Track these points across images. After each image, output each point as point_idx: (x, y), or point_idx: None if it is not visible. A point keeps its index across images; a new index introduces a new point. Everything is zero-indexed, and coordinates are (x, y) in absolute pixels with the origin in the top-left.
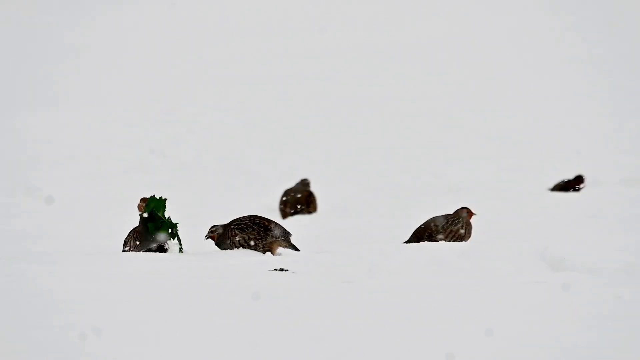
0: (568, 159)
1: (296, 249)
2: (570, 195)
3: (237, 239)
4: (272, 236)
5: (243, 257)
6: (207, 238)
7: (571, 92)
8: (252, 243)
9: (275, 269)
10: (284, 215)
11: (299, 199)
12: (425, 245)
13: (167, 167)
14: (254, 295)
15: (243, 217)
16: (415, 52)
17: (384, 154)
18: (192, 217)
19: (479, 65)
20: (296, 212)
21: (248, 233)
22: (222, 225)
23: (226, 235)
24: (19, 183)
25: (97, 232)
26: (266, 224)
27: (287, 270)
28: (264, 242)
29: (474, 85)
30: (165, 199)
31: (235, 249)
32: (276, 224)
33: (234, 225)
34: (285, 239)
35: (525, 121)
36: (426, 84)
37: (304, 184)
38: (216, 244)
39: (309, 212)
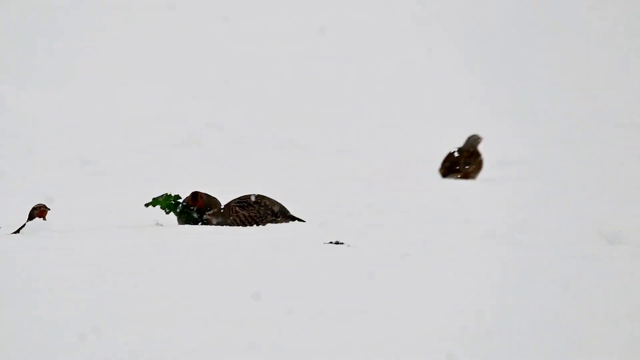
0: None
1: (302, 220)
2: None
3: (240, 216)
4: (273, 214)
5: (294, 231)
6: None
7: None
8: (251, 221)
9: (331, 242)
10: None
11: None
12: (479, 218)
13: (222, 141)
14: (309, 269)
15: (244, 195)
16: None
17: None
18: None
19: None
20: (452, 173)
21: (249, 211)
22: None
23: (227, 213)
24: (74, 156)
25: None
26: (267, 203)
27: (342, 243)
28: (265, 221)
29: None
30: (177, 197)
31: (237, 226)
32: (275, 201)
33: (235, 203)
34: (285, 214)
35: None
36: None
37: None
38: (206, 218)
39: (467, 176)
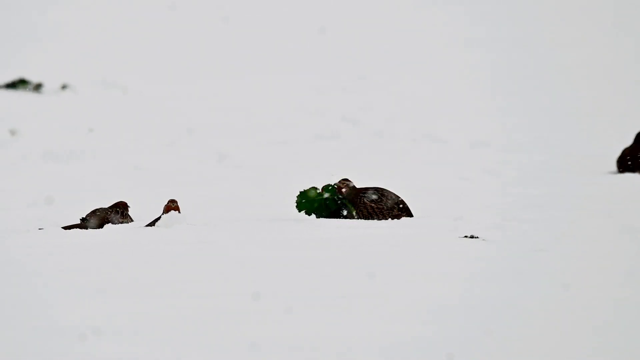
0: None
1: (411, 215)
2: None
3: (370, 207)
4: (399, 208)
5: (429, 226)
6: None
7: None
8: (379, 213)
9: (466, 236)
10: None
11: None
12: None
13: (357, 135)
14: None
15: (371, 187)
16: None
17: (569, 120)
18: (381, 185)
19: None
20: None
21: (377, 203)
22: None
23: (357, 202)
24: (210, 150)
25: (288, 199)
26: (394, 196)
27: (477, 237)
28: (392, 214)
29: None
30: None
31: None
32: (397, 195)
33: (364, 192)
34: (401, 207)
35: None
36: None
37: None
38: (338, 204)
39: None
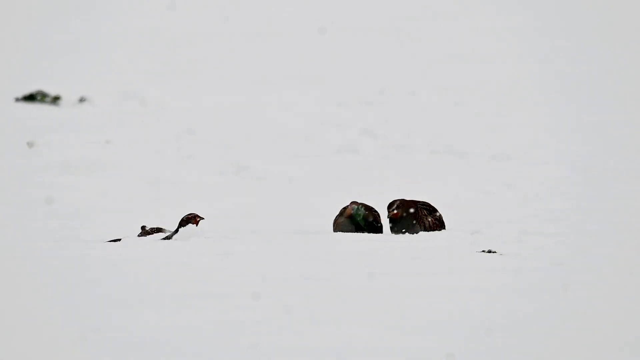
0: None
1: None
2: None
3: (429, 220)
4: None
5: (446, 240)
6: (389, 216)
7: None
8: (432, 226)
9: (483, 251)
10: None
11: None
12: (639, 227)
13: (377, 148)
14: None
15: (419, 200)
16: None
17: (591, 134)
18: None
19: None
20: None
21: (432, 216)
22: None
23: (415, 216)
24: (229, 162)
25: (306, 211)
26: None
27: (495, 252)
28: (441, 228)
29: None
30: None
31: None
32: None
33: (421, 205)
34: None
35: None
36: None
37: None
38: (394, 224)
39: None
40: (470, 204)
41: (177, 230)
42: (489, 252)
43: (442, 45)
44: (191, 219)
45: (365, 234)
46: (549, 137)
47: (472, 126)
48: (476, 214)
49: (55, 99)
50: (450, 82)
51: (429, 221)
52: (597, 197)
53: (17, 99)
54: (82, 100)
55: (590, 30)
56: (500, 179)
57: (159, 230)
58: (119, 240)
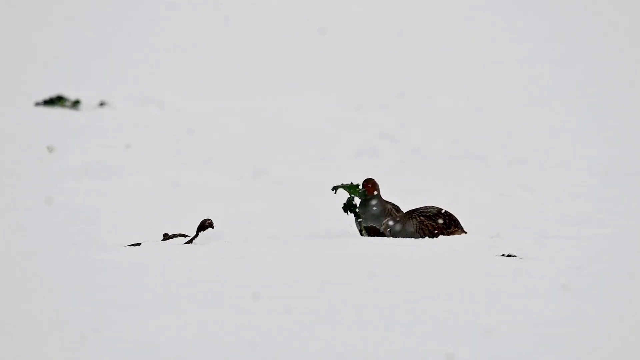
0: None
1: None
2: None
3: (423, 225)
4: (456, 225)
5: (467, 243)
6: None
7: None
8: (436, 231)
9: (503, 255)
10: None
11: None
12: None
13: (396, 152)
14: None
15: (425, 207)
16: None
17: (616, 138)
18: (420, 203)
19: None
20: None
21: (434, 221)
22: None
23: (409, 222)
24: (247, 166)
25: (326, 216)
26: (451, 214)
27: (514, 255)
28: (449, 231)
29: None
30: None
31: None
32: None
33: (418, 213)
34: (460, 227)
35: None
36: None
37: None
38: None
39: None
40: (489, 208)
41: (196, 235)
42: (509, 255)
43: (461, 49)
44: (207, 224)
45: (384, 238)
46: (567, 140)
47: (490, 130)
48: (495, 217)
49: (75, 104)
50: (469, 86)
51: (423, 225)
52: (617, 200)
53: (37, 104)
54: (102, 104)
55: (608, 32)
56: (519, 182)
57: (181, 236)
58: (139, 244)
